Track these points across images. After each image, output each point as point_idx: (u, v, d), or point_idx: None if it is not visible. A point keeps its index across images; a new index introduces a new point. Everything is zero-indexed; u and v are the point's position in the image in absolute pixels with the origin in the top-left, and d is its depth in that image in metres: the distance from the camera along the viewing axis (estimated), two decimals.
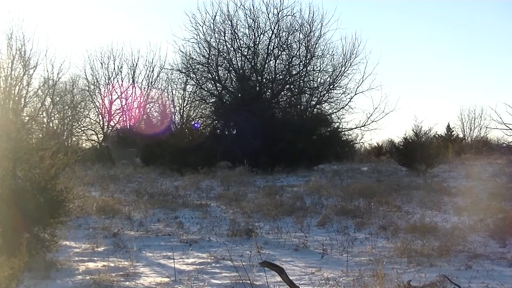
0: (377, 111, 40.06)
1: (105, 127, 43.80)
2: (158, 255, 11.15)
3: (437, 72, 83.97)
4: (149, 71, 44.78)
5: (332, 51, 41.31)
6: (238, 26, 40.20)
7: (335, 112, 40.85)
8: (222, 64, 40.43)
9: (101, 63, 44.62)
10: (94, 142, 44.42)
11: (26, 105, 39.41)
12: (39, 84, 40.86)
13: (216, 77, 40.07)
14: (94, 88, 44.46)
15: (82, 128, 44.21)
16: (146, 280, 9.06)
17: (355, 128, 40.82)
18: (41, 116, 40.43)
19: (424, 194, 19.21)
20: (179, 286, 8.57)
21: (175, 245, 11.89)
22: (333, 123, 40.91)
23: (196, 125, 40.77)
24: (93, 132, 44.49)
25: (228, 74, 40.81)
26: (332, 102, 41.01)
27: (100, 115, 44.12)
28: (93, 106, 44.18)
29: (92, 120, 44.39)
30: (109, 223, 14.23)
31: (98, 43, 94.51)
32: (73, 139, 43.16)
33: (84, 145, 43.87)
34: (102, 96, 44.23)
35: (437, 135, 49.26)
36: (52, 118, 41.88)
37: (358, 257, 10.85)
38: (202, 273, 9.51)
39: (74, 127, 43.50)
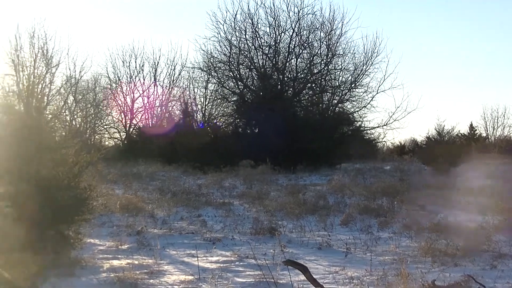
0: (399, 110, 39.96)
1: (127, 125, 43.87)
2: (182, 253, 11.14)
3: (459, 70, 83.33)
4: (171, 69, 44.85)
5: (354, 50, 41.34)
6: (259, 24, 40.28)
7: (357, 111, 40.82)
8: (244, 63, 40.48)
9: (123, 62, 44.76)
10: (116, 140, 44.55)
11: (49, 103, 39.63)
12: (61, 82, 41.08)
13: (238, 76, 40.11)
14: (116, 86, 44.62)
15: (105, 126, 44.40)
16: (170, 278, 9.05)
17: (377, 127, 40.75)
18: (64, 114, 40.70)
19: (447, 193, 19.05)
20: (203, 284, 8.55)
21: (198, 243, 11.87)
22: (355, 122, 40.89)
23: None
24: (116, 130, 44.64)
25: (250, 73, 40.86)
26: (354, 101, 40.99)
27: (122, 113, 44.25)
28: (115, 104, 44.30)
29: (114, 118, 44.58)
30: (132, 221, 14.25)
31: (119, 41, 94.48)
32: (96, 137, 43.38)
33: (107, 143, 44.01)
34: (124, 94, 44.36)
35: (460, 134, 48.96)
36: (75, 116, 42.11)
37: (382, 256, 10.78)
38: (226, 271, 9.49)
39: (96, 125, 43.69)
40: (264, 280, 8.48)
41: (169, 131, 38.50)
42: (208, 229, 13.83)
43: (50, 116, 36.39)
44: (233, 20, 39.99)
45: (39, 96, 38.83)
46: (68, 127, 39.13)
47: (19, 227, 6.66)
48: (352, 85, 40.44)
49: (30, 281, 4.89)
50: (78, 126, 40.73)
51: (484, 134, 60.90)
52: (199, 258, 10.10)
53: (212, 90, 42.42)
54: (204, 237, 12.75)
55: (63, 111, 40.51)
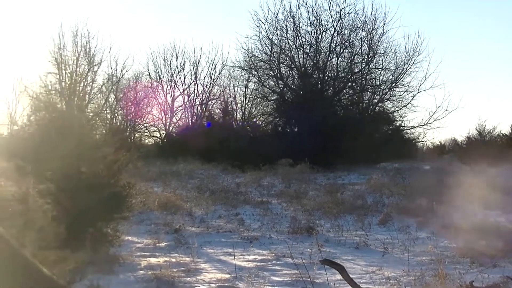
0: (440, 110, 39.58)
1: (167, 123, 44.09)
2: (219, 251, 11.20)
3: (502, 69, 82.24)
4: (211, 68, 44.82)
5: (395, 49, 40.88)
6: (300, 23, 40.18)
7: (397, 110, 40.53)
8: (284, 62, 40.44)
9: (164, 60, 44.86)
10: (156, 138, 44.76)
11: (90, 102, 39.96)
12: (103, 81, 41.37)
13: (278, 75, 40.09)
14: (157, 84, 44.74)
15: (145, 125, 44.57)
16: (207, 276, 9.11)
17: (417, 126, 40.43)
18: (105, 112, 40.98)
19: (487, 194, 18.86)
20: (240, 283, 8.59)
21: (235, 242, 11.93)
22: (395, 121, 40.62)
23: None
24: (156, 128, 44.82)
25: (290, 72, 40.80)
26: (394, 100, 40.68)
27: (162, 112, 44.37)
28: (156, 102, 44.43)
29: (154, 117, 44.69)
30: (170, 219, 14.35)
31: (161, 40, 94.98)
32: (136, 135, 43.61)
33: (146, 141, 44.23)
34: (164, 92, 44.46)
35: (501, 134, 48.40)
36: (116, 115, 42.37)
37: (420, 256, 10.74)
38: (263, 270, 9.53)
39: (137, 123, 43.91)
40: (301, 279, 8.51)
41: (208, 129, 38.60)
42: (246, 228, 13.89)
43: (92, 114, 36.71)
44: (275, 19, 40.01)
45: (81, 95, 39.19)
46: (108, 125, 39.41)
47: (58, 224, 6.75)
48: (393, 85, 40.21)
49: (69, 278, 4.97)
50: (118, 124, 40.99)
51: None
52: (236, 257, 10.16)
53: (252, 89, 42.44)
54: (242, 236, 12.80)
55: (104, 109, 40.84)
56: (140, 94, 43.75)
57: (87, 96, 39.76)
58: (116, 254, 9.99)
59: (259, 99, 42.20)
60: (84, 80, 39.79)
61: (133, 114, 42.99)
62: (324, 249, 11.35)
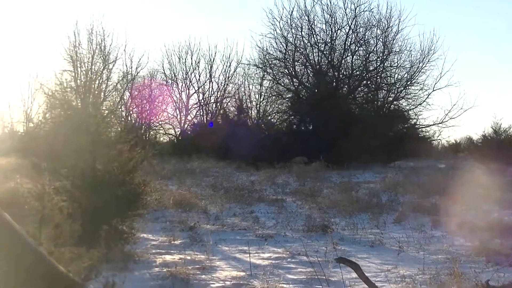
0: (455, 108, 39.57)
1: (182, 121, 44.12)
2: (234, 249, 11.19)
3: None
4: (226, 66, 44.85)
5: (410, 47, 40.86)
6: (315, 21, 40.23)
7: (413, 109, 40.49)
8: (299, 60, 40.47)
9: (179, 58, 44.93)
10: (171, 136, 44.81)
11: (105, 99, 40.09)
12: (118, 79, 41.51)
13: (293, 72, 40.12)
14: (171, 82, 44.81)
15: (160, 122, 44.63)
16: (222, 273, 9.10)
17: (432, 124, 40.37)
18: (120, 110, 41.08)
19: (502, 193, 18.78)
20: (255, 281, 8.58)
21: (250, 240, 11.93)
22: (410, 120, 40.54)
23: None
24: (171, 126, 44.87)
25: (305, 70, 40.84)
26: (409, 99, 40.64)
27: (177, 110, 44.44)
28: (171, 100, 44.50)
29: (169, 114, 44.75)
30: (185, 217, 14.36)
31: (176, 38, 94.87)
32: (151, 133, 43.66)
33: (161, 139, 44.29)
34: (179, 90, 44.53)
35: None
36: (131, 112, 42.46)
37: (435, 255, 10.70)
38: (278, 268, 9.52)
39: (151, 121, 43.98)
40: (316, 277, 8.49)
41: (223, 127, 38.62)
42: (261, 226, 13.89)
43: (107, 111, 36.81)
44: (289, 17, 40.06)
45: (96, 92, 39.32)
46: (123, 122, 39.51)
47: (73, 221, 6.76)
48: (408, 83, 40.14)
49: (84, 275, 4.96)
50: (133, 122, 41.09)
51: None
52: (251, 255, 10.14)
53: (267, 87, 42.50)
54: (256, 234, 12.80)
55: (119, 107, 40.95)
56: (155, 92, 43.83)
57: (102, 93, 39.91)
58: (131, 251, 10.01)
59: (273, 97, 42.24)
60: (99, 77, 39.98)
61: (148, 112, 43.05)
62: (339, 247, 11.34)
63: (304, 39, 40.05)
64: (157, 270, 9.06)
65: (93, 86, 39.57)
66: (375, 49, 40.04)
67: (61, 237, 5.08)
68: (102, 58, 39.87)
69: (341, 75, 40.48)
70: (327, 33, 39.98)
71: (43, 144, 10.47)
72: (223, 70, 45.17)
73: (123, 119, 40.67)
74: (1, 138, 34.89)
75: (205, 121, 43.60)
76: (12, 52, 58.85)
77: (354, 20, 39.62)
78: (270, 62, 40.95)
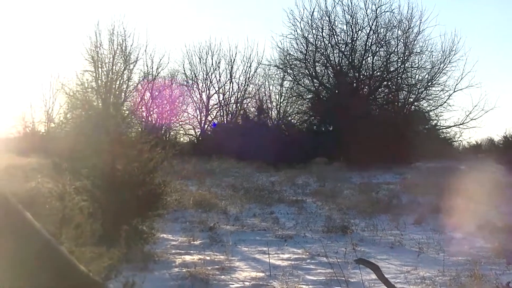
0: (476, 109, 39.41)
1: (202, 121, 44.20)
2: (254, 249, 11.20)
3: None
4: (247, 66, 44.87)
5: (431, 48, 40.73)
6: (336, 22, 40.22)
7: (433, 110, 40.33)
8: (320, 60, 40.45)
9: (200, 58, 45.00)
10: (191, 136, 44.91)
11: (126, 99, 40.26)
12: (138, 79, 41.65)
13: (313, 73, 40.11)
14: (192, 83, 44.90)
15: (180, 123, 44.73)
16: (242, 274, 9.11)
17: (453, 126, 40.24)
18: (141, 110, 41.20)
19: None
20: (274, 281, 8.58)
21: (270, 240, 11.93)
22: (431, 121, 40.41)
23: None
24: (191, 126, 44.96)
25: (325, 70, 40.81)
26: (430, 99, 40.51)
27: (197, 110, 44.53)
28: (191, 101, 44.61)
29: (189, 115, 44.85)
30: (205, 217, 14.38)
31: (196, 38, 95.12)
32: (171, 133, 43.76)
33: (181, 139, 44.37)
34: (200, 91, 44.60)
35: None
36: (151, 113, 42.57)
37: (455, 256, 10.65)
38: (297, 269, 9.51)
39: (172, 121, 44.08)
40: (335, 278, 8.48)
41: (243, 128, 38.67)
42: (280, 226, 13.89)
43: (127, 112, 36.98)
44: (310, 17, 40.06)
45: (117, 92, 39.53)
46: (144, 123, 39.65)
47: (94, 221, 6.79)
48: (429, 84, 40.01)
49: (104, 275, 4.99)
50: (154, 122, 41.21)
51: None
52: (270, 255, 10.14)
53: (288, 87, 42.50)
54: (276, 234, 12.80)
55: (140, 107, 41.08)
56: (175, 92, 43.93)
57: (123, 94, 40.10)
58: (151, 251, 10.04)
59: (294, 97, 42.24)
60: (120, 78, 40.16)
61: (168, 112, 43.16)
62: (358, 248, 11.32)
63: (324, 39, 40.07)
64: (176, 270, 9.08)
65: (114, 86, 39.76)
66: (396, 50, 40.00)
67: (81, 237, 5.11)
68: (123, 58, 40.07)
69: (361, 76, 40.44)
70: (348, 33, 40.01)
71: (64, 144, 10.54)
72: (244, 71, 45.28)
73: (143, 119, 40.81)
74: (22, 138, 35.16)
75: (225, 121, 43.67)
76: (34, 53, 59.24)
77: (375, 20, 39.61)
78: (291, 62, 40.99)
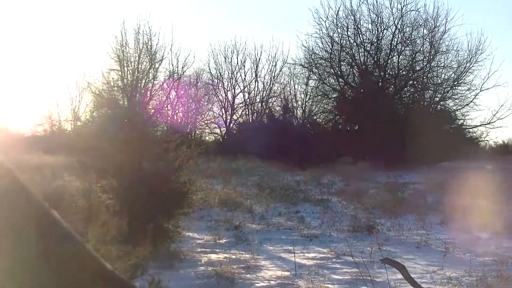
0: (503, 109, 39.13)
1: (228, 120, 44.27)
2: (279, 248, 11.18)
3: None
4: (272, 65, 44.96)
5: (457, 47, 40.38)
6: (361, 21, 40.05)
7: (459, 109, 40.05)
8: (345, 59, 40.33)
9: (225, 57, 45.09)
10: (217, 135, 45.01)
11: (151, 98, 40.39)
12: (164, 78, 41.76)
13: (339, 72, 40.01)
14: (217, 82, 44.99)
15: (205, 121, 44.84)
16: (267, 273, 9.09)
17: (479, 125, 39.92)
18: (166, 109, 41.33)
19: None
20: (299, 280, 8.55)
21: (295, 239, 11.90)
22: (457, 120, 40.12)
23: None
24: (216, 125, 45.05)
25: (351, 69, 40.70)
26: (456, 99, 40.23)
27: (223, 109, 44.62)
28: (216, 99, 44.71)
29: (215, 114, 44.95)
30: (231, 216, 14.38)
31: (221, 37, 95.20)
32: (197, 132, 43.87)
33: (207, 138, 44.47)
34: (225, 90, 44.70)
35: None
36: (177, 111, 42.70)
37: (482, 257, 10.56)
38: (323, 268, 9.48)
39: (197, 120, 44.18)
40: (361, 277, 8.44)
41: (268, 127, 38.66)
42: (306, 226, 13.87)
43: (153, 110, 37.08)
44: (335, 16, 39.93)
45: (143, 91, 39.67)
46: (169, 121, 39.76)
47: (120, 219, 6.81)
48: (455, 83, 39.75)
49: (130, 273, 5.00)
50: (179, 121, 41.33)
51: None
52: (296, 254, 10.12)
53: (313, 86, 42.46)
54: (302, 233, 12.77)
55: (165, 106, 41.21)
56: (200, 91, 44.03)
57: (148, 92, 40.22)
58: (177, 250, 10.05)
59: (319, 96, 42.19)
60: (145, 77, 40.31)
61: (194, 111, 43.27)
62: (384, 248, 11.25)
63: (350, 38, 39.95)
64: (202, 269, 9.09)
65: (139, 85, 39.93)
66: (421, 49, 39.76)
67: (108, 235, 5.12)
68: (148, 57, 40.22)
69: (387, 75, 40.27)
70: (373, 32, 39.85)
71: (90, 143, 10.57)
72: (269, 70, 45.32)
73: (169, 118, 40.93)
74: (49, 136, 35.42)
75: (250, 120, 43.69)
76: (61, 52, 59.67)
77: (400, 19, 39.40)
78: (316, 61, 40.92)
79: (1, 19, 59.01)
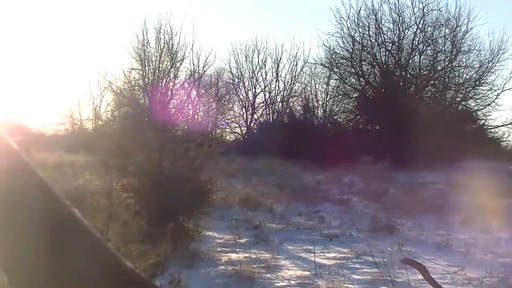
0: None
1: (248, 120, 44.23)
2: (299, 248, 11.18)
3: None
4: (293, 65, 44.73)
5: (479, 47, 40.04)
6: (383, 20, 39.79)
7: (481, 109, 39.74)
8: (366, 59, 40.14)
9: (246, 57, 44.96)
10: (237, 134, 44.99)
11: (172, 97, 40.42)
12: (185, 77, 41.75)
13: (360, 72, 39.85)
14: (238, 81, 44.93)
15: (226, 121, 44.82)
16: (287, 272, 9.10)
17: (501, 125, 39.60)
18: (187, 108, 41.37)
19: None
20: (320, 280, 8.56)
21: (316, 239, 11.88)
22: (479, 120, 39.86)
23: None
24: (237, 124, 45.03)
25: (372, 69, 40.51)
26: (478, 99, 39.89)
27: (243, 108, 44.56)
28: (237, 99, 44.66)
29: (235, 113, 44.92)
30: (251, 215, 14.39)
31: (242, 37, 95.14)
32: (217, 131, 43.87)
33: (227, 137, 44.43)
34: (246, 89, 44.61)
35: None
36: (197, 111, 42.73)
37: (503, 257, 10.52)
38: (343, 268, 9.47)
39: (218, 119, 44.19)
40: (381, 278, 8.42)
41: (289, 126, 38.61)
42: (326, 225, 13.85)
43: (174, 110, 37.16)
44: (357, 16, 39.73)
45: (164, 90, 39.70)
46: (190, 121, 39.80)
47: (140, 218, 6.87)
48: (477, 83, 39.45)
49: (150, 272, 5.03)
50: (200, 120, 41.37)
51: None
52: (316, 254, 10.11)
53: (334, 86, 42.25)
54: (322, 233, 12.77)
55: (186, 105, 41.24)
56: (221, 90, 44.05)
57: (169, 92, 40.24)
58: (197, 249, 10.08)
59: (340, 96, 42.00)
60: (166, 76, 40.30)
61: (215, 110, 43.30)
62: (404, 248, 11.22)
63: (371, 38, 39.75)
64: (222, 268, 9.11)
65: (160, 84, 39.95)
66: (443, 49, 39.49)
67: (128, 234, 5.16)
68: (169, 56, 40.19)
69: (408, 75, 40.07)
70: (395, 32, 39.62)
71: (111, 141, 10.63)
72: (290, 69, 45.09)
73: (189, 117, 40.97)
74: (71, 135, 35.62)
75: (271, 119, 43.65)
76: (82, 51, 59.97)
77: (422, 19, 39.15)
78: (337, 61, 40.77)
79: (25, 18, 59.33)
